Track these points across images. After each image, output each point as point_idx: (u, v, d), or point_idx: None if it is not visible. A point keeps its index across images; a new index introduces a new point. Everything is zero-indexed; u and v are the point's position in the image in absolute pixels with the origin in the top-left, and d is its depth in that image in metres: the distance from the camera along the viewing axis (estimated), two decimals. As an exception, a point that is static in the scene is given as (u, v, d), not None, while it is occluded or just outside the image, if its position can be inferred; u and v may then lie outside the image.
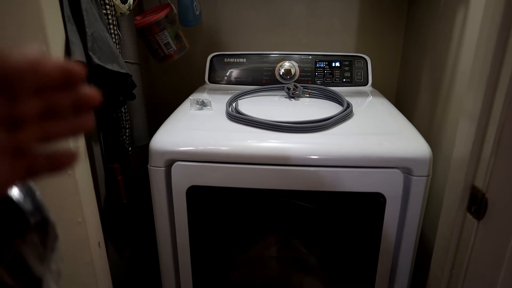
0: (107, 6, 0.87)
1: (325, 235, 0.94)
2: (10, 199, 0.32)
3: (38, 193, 0.35)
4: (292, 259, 0.99)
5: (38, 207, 0.34)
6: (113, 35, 0.92)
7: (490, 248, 0.63)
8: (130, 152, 1.05)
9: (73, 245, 0.66)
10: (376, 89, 1.25)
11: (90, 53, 0.70)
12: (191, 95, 1.15)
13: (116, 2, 0.91)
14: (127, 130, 1.02)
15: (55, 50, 0.59)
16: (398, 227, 0.84)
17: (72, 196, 0.63)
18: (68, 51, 0.65)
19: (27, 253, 0.34)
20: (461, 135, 0.66)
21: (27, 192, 0.34)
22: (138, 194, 1.14)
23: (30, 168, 0.25)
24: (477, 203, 0.63)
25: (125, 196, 1.02)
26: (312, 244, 0.96)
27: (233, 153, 0.80)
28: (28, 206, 0.34)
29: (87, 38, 0.70)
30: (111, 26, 0.91)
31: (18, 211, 0.32)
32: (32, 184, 0.35)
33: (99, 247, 0.77)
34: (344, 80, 1.23)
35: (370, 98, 1.14)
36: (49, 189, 0.59)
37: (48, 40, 0.56)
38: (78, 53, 0.67)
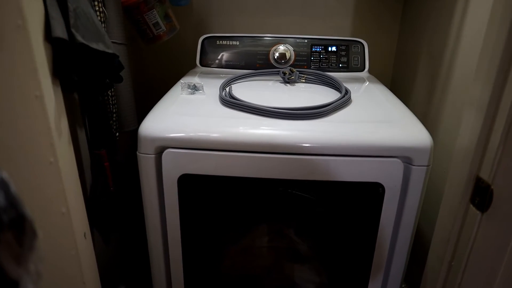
0: (92, -20, 0.81)
1: (321, 225, 0.92)
2: (-22, 194, 0.28)
3: (13, 187, 0.31)
4: (286, 249, 0.96)
5: (12, 203, 0.30)
6: (98, 13, 0.86)
7: (492, 241, 0.61)
8: (117, 138, 1.00)
9: (56, 238, 0.61)
10: (370, 74, 1.22)
11: (73, 31, 0.64)
12: (181, 79, 1.09)
13: (101, -23, 0.85)
14: (114, 114, 0.97)
15: (33, 26, 0.53)
16: (396, 218, 0.82)
17: (55, 186, 0.59)
18: (47, 28, 0.59)
19: (1, 254, 0.30)
20: (467, 124, 0.63)
21: (0, 186, 0.30)
22: (126, 181, 1.09)
23: None
24: (481, 195, 0.61)
25: (112, 183, 0.97)
26: (307, 234, 0.94)
27: (227, 140, 0.76)
28: (0, 201, 0.29)
29: (69, 14, 0.64)
30: (96, 3, 0.85)
31: (-12, 208, 0.28)
32: (6, 176, 0.31)
33: (85, 238, 0.73)
34: (340, 65, 1.19)
35: (368, 84, 1.11)
36: (29, 179, 0.55)
37: (24, 14, 0.50)
38: (59, 30, 0.61)
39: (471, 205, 0.63)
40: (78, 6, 0.67)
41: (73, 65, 0.68)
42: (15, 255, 0.31)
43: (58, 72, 0.63)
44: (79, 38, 0.66)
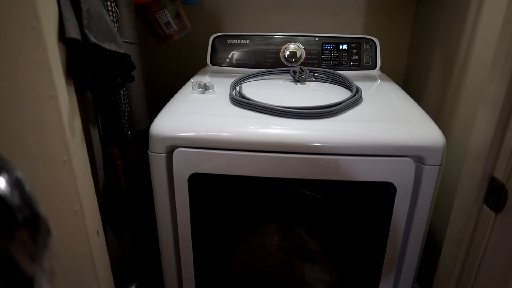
0: (104, -19, 0.82)
1: (331, 224, 0.91)
2: (-5, 193, 0.29)
3: (27, 186, 0.31)
4: (296, 248, 0.96)
5: (26, 201, 0.31)
6: (110, 13, 0.87)
7: (507, 242, 0.60)
8: (129, 136, 1.02)
9: (69, 235, 0.63)
10: (382, 72, 1.21)
11: (86, 31, 0.65)
12: (192, 78, 1.10)
13: (113, -23, 0.86)
14: (126, 113, 0.98)
15: (48, 27, 0.54)
16: (408, 217, 0.81)
17: (68, 184, 0.60)
18: (61, 29, 0.60)
19: (16, 252, 0.31)
20: (481, 123, 0.62)
21: (15, 185, 0.30)
22: (137, 179, 1.10)
23: None
24: (495, 195, 0.60)
25: (124, 181, 0.99)
26: (318, 233, 0.94)
27: (237, 139, 0.76)
28: (15, 200, 0.30)
29: (82, 15, 0.65)
30: (108, 3, 0.86)
31: (3, 206, 0.29)
32: (20, 175, 0.31)
33: (98, 235, 0.74)
34: (351, 63, 1.18)
35: (379, 82, 1.09)
36: (43, 178, 0.56)
37: (39, 16, 0.51)
38: (73, 31, 0.62)
39: (485, 205, 0.62)
40: (91, 6, 0.68)
41: (86, 65, 0.69)
42: (30, 253, 0.32)
43: (72, 72, 0.64)
44: (92, 38, 0.67)
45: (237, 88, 0.96)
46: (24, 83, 0.51)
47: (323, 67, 1.17)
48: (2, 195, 0.29)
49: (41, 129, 0.55)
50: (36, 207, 0.32)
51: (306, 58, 1.18)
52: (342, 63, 1.18)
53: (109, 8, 0.86)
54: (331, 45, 1.19)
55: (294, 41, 1.18)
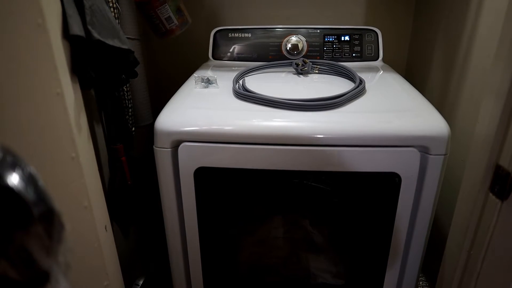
0: (105, -23, 0.81)
1: (337, 215, 0.92)
2: (10, 189, 0.29)
3: (41, 182, 0.32)
4: (302, 240, 0.97)
5: (41, 197, 0.31)
6: (112, 9, 0.87)
7: (513, 229, 0.60)
8: (133, 133, 1.02)
9: (80, 231, 0.63)
10: (385, 63, 1.20)
11: (89, 27, 0.65)
12: (195, 73, 1.10)
13: (114, -27, 0.85)
14: (130, 110, 0.98)
15: (52, 24, 0.54)
16: (413, 207, 0.81)
17: (77, 180, 0.60)
18: (65, 25, 0.60)
19: (32, 246, 0.31)
20: (486, 111, 0.62)
21: (29, 180, 0.31)
22: (143, 175, 1.11)
23: None
24: (501, 183, 0.60)
25: (129, 177, 0.99)
26: (323, 225, 0.95)
27: (242, 133, 0.77)
28: (30, 196, 0.30)
29: (85, 11, 0.65)
30: (110, -1, 0.86)
31: (19, 202, 0.29)
32: (34, 172, 0.32)
33: (106, 230, 0.75)
34: (354, 54, 1.18)
35: (382, 73, 1.09)
36: (52, 174, 0.56)
37: (43, 13, 0.51)
38: (76, 27, 0.62)
39: (491, 193, 0.62)
40: (93, 3, 0.68)
41: (90, 61, 0.69)
42: (45, 247, 0.32)
43: (76, 69, 0.64)
44: (96, 34, 0.67)
45: (240, 81, 0.96)
46: (31, 81, 0.52)
47: (325, 59, 1.16)
48: (18, 191, 0.30)
49: (49, 126, 0.55)
50: (50, 202, 0.32)
51: (308, 51, 1.17)
52: (344, 55, 1.18)
53: (110, 5, 0.86)
54: (333, 37, 1.18)
55: (296, 34, 1.18)
